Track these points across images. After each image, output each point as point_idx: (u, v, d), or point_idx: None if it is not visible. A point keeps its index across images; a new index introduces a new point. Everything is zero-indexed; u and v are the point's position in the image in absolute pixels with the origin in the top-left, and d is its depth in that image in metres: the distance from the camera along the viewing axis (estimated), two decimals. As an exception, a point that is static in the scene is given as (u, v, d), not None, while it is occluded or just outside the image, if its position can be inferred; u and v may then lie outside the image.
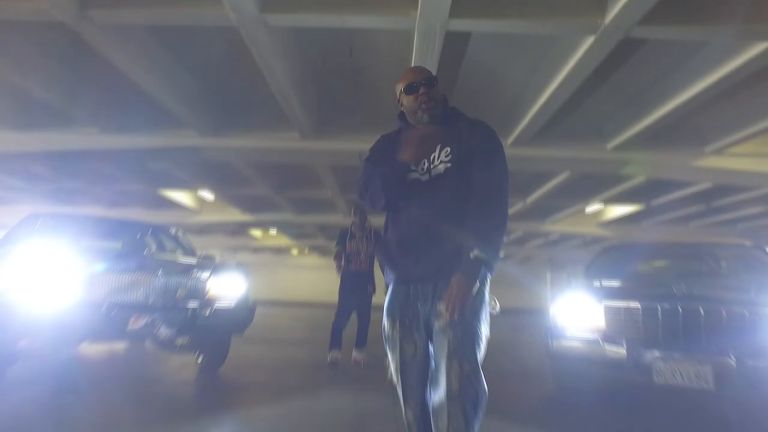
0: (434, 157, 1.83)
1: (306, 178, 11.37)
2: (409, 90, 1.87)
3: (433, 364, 1.72)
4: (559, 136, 7.24)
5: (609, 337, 3.56)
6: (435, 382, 1.66)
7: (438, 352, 1.67)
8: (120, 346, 6.22)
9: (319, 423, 3.26)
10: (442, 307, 1.68)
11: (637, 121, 6.51)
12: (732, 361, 3.12)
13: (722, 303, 3.34)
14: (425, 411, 1.79)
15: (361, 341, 5.43)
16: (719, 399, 3.55)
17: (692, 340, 3.29)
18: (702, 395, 3.29)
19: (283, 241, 23.10)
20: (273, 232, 21.12)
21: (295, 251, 28.16)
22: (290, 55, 5.15)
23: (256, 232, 21.75)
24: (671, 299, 3.44)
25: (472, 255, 1.66)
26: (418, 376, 1.82)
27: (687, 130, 7.16)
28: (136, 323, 3.71)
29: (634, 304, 3.53)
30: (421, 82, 1.86)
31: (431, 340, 1.74)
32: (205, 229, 18.28)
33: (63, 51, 5.52)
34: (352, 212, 5.40)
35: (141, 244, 6.15)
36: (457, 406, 1.58)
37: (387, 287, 1.97)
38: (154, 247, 6.32)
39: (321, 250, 27.14)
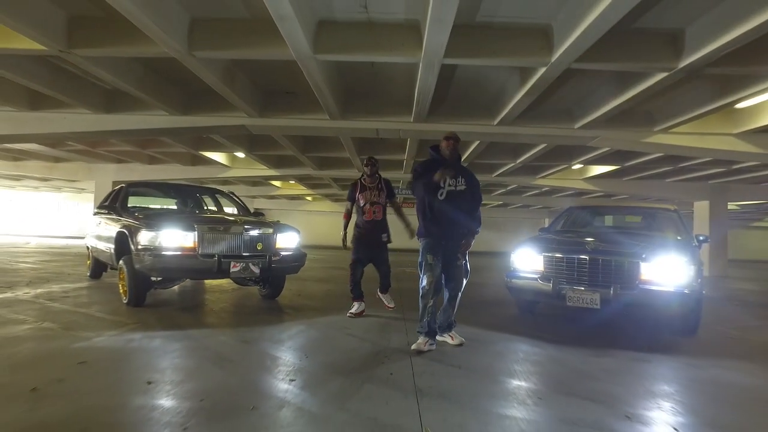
0: (456, 181, 4.01)
1: (327, 142, 12.81)
2: (447, 139, 3.98)
3: (444, 278, 4.04)
4: (535, 118, 8.62)
5: (544, 276, 5.05)
6: (451, 283, 4.02)
7: (456, 272, 3.98)
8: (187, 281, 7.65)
9: (357, 324, 4.95)
10: (460, 255, 3.97)
11: (599, 107, 7.79)
12: (611, 291, 4.60)
13: (614, 255, 4.79)
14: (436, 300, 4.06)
15: (384, 287, 5.70)
16: (602, 313, 4.84)
17: (593, 279, 4.78)
18: (593, 312, 4.72)
19: (300, 189, 24.46)
20: (292, 182, 22.53)
21: (310, 198, 29.60)
22: (328, 68, 6.62)
23: (276, 183, 23.28)
24: (583, 253, 4.92)
25: (475, 231, 3.95)
26: (437, 284, 3.99)
27: (640, 113, 8.62)
28: (235, 267, 5.30)
29: (560, 255, 5.03)
30: (453, 137, 3.99)
31: (448, 267, 4.02)
32: (228, 180, 19.89)
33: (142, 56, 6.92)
34: (364, 163, 5.46)
35: (205, 205, 7.98)
36: (459, 282, 3.94)
37: (420, 240, 4.08)
38: (212, 206, 8.15)
39: (334, 198, 28.97)
